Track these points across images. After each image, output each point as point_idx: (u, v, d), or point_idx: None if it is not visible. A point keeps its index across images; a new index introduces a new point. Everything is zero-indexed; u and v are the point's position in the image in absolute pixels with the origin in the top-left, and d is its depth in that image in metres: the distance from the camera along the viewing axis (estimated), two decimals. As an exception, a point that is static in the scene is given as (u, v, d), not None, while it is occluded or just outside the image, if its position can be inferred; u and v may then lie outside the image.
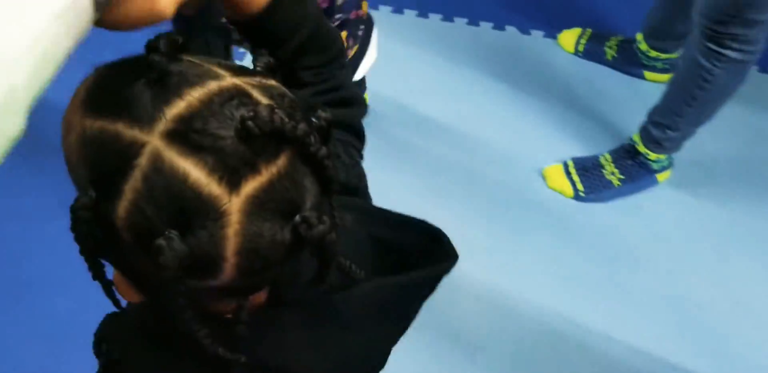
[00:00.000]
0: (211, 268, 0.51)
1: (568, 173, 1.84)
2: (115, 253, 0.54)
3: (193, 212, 0.49)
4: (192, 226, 0.49)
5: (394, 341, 0.73)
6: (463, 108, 2.02)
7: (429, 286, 0.71)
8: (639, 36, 2.00)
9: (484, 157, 1.92)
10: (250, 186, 0.49)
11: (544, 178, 1.87)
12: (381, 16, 2.20)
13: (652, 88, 2.03)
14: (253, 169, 0.50)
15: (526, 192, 1.86)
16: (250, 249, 0.51)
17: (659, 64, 2.02)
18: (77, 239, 0.53)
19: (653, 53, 1.99)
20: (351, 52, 1.34)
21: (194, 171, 0.49)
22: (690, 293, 1.70)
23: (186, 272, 0.50)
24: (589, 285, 1.70)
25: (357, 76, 1.45)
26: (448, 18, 2.23)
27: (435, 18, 2.23)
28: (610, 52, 2.07)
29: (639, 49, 2.01)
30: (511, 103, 2.03)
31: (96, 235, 0.52)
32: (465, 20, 2.22)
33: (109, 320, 0.72)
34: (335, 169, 0.54)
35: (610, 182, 1.82)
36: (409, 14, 2.24)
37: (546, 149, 1.93)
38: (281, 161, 0.51)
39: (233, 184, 0.49)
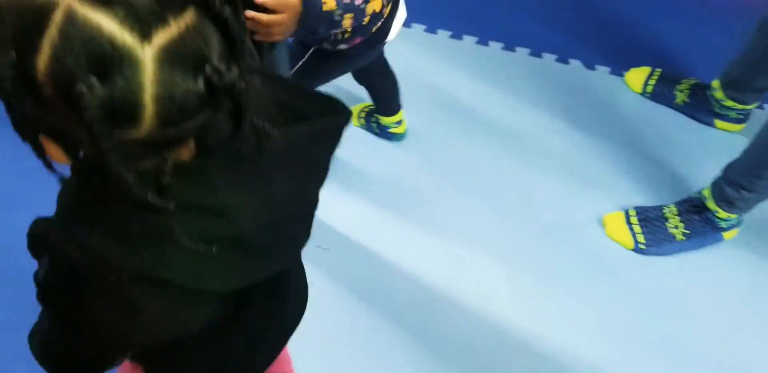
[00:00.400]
0: (131, 115, 0.55)
1: (629, 223, 1.76)
2: (40, 112, 0.58)
3: (109, 61, 0.54)
4: (109, 73, 0.54)
5: (313, 191, 0.81)
6: (519, 144, 1.93)
7: (332, 136, 0.79)
8: (715, 83, 1.91)
9: (539, 199, 1.84)
10: (161, 37, 0.55)
11: (603, 225, 1.78)
12: (439, 40, 2.12)
13: (722, 137, 1.95)
14: (163, 22, 0.55)
15: (583, 239, 1.78)
16: (166, 97, 0.56)
17: (733, 114, 1.93)
18: (3, 99, 0.58)
19: (729, 103, 1.90)
20: (386, 11, 1.35)
21: (106, 22, 0.54)
22: (747, 358, 1.63)
23: (108, 121, 0.54)
24: (643, 343, 1.63)
25: (391, 36, 1.43)
26: (509, 47, 2.14)
27: (495, 46, 2.14)
28: (680, 96, 1.97)
29: (713, 96, 1.91)
30: (570, 141, 1.95)
31: (21, 93, 0.56)
32: (527, 50, 2.13)
33: (41, 220, 0.74)
34: (242, 34, 0.59)
35: (673, 236, 1.74)
36: (469, 40, 2.15)
37: (606, 194, 1.85)
38: (188, 16, 0.56)
39: (144, 34, 0.54)
